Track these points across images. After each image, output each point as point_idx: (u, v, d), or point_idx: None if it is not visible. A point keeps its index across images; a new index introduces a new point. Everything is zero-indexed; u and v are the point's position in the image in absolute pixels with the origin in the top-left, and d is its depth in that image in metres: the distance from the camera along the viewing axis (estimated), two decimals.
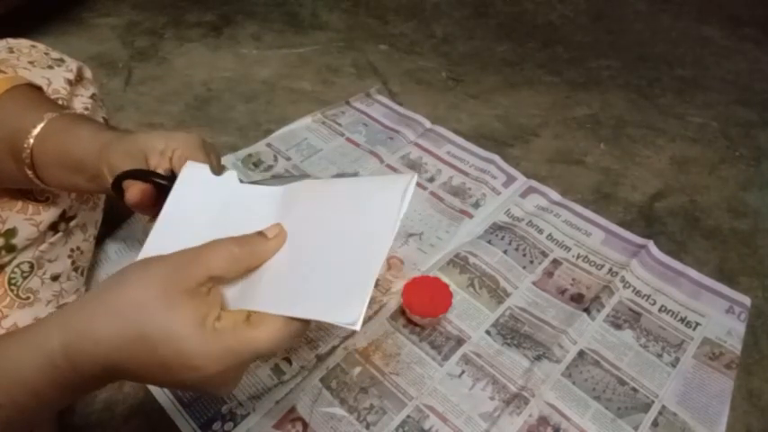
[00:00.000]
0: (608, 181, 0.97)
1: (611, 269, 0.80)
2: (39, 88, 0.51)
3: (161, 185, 0.42)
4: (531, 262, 0.80)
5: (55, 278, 0.60)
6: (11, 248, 0.54)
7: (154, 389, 0.64)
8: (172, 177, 0.43)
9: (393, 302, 0.73)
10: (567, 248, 0.83)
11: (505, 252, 0.81)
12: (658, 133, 1.08)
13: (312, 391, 0.64)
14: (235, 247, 0.35)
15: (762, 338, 0.74)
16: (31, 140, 0.44)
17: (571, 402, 0.65)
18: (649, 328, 0.73)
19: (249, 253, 0.35)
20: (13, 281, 0.56)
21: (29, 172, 0.46)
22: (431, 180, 0.93)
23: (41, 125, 0.44)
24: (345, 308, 0.32)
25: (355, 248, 0.35)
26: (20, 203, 0.54)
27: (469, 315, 0.73)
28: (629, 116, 1.12)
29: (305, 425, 0.61)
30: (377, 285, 0.76)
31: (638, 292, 0.77)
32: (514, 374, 0.67)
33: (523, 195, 0.91)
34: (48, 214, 0.56)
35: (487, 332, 0.71)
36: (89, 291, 0.62)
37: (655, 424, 0.63)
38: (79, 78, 0.62)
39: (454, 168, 0.96)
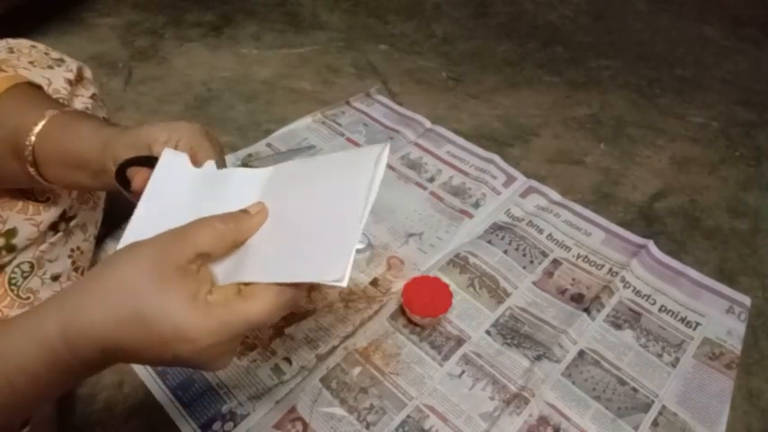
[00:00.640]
0: (608, 181, 0.97)
1: (611, 269, 0.80)
2: (39, 87, 0.51)
3: None
4: (531, 262, 0.80)
5: (55, 278, 0.60)
6: (11, 248, 0.54)
7: (154, 388, 0.64)
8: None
9: (393, 302, 0.73)
10: (567, 248, 0.83)
11: (505, 252, 0.81)
12: (658, 133, 1.08)
13: (312, 391, 0.64)
14: (219, 223, 0.36)
15: (762, 338, 0.74)
16: (33, 138, 0.44)
17: (571, 402, 0.65)
18: (649, 328, 0.73)
19: (234, 229, 0.36)
20: (13, 281, 0.56)
21: (31, 170, 0.46)
22: (431, 180, 0.93)
23: (43, 122, 0.44)
24: (331, 267, 0.34)
25: (335, 215, 0.37)
26: (20, 203, 0.54)
27: (469, 315, 0.73)
28: (629, 116, 1.12)
29: (305, 425, 0.61)
30: (377, 285, 0.76)
31: (638, 292, 0.77)
32: (514, 374, 0.67)
33: (523, 195, 0.91)
34: (48, 214, 0.55)
35: (487, 332, 0.71)
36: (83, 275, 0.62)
37: (655, 424, 0.63)
38: (79, 78, 0.62)
39: (454, 168, 0.96)
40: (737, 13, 1.48)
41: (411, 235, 0.83)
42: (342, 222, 0.36)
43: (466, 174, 0.94)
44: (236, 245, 0.37)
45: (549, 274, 0.79)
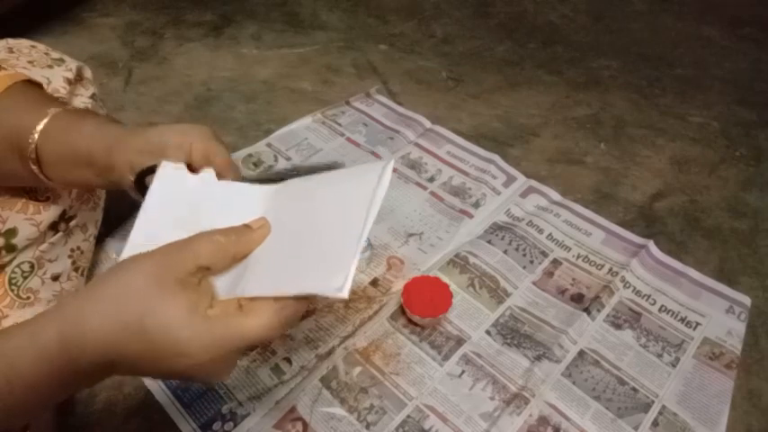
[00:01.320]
0: (608, 181, 0.97)
1: (611, 269, 0.80)
2: (39, 85, 0.51)
3: None
4: (532, 262, 0.80)
5: (55, 278, 0.60)
6: (11, 248, 0.54)
7: (154, 388, 0.64)
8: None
9: (393, 302, 0.73)
10: (568, 248, 0.83)
11: (505, 252, 0.81)
12: (658, 133, 1.08)
13: (312, 391, 0.64)
14: (221, 237, 0.36)
15: (762, 338, 0.74)
16: (36, 136, 0.44)
17: (571, 402, 0.65)
18: (649, 327, 0.73)
19: (235, 242, 0.36)
20: (13, 281, 0.56)
21: (34, 168, 0.45)
22: (431, 180, 0.93)
23: (45, 120, 0.44)
24: (331, 278, 0.34)
25: (337, 229, 0.37)
26: (20, 203, 0.54)
27: (469, 315, 0.73)
28: (629, 116, 1.12)
29: (305, 425, 0.61)
30: (377, 285, 0.76)
31: (638, 292, 0.77)
32: (514, 374, 0.67)
33: (523, 195, 0.91)
34: (48, 214, 0.55)
35: (487, 332, 0.71)
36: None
37: (655, 424, 0.63)
38: (79, 78, 0.62)
39: (454, 168, 0.96)
40: (737, 13, 1.48)
41: (411, 235, 0.83)
42: (343, 236, 0.36)
43: (466, 174, 0.94)
44: (237, 259, 0.37)
45: (549, 274, 0.79)
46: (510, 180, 0.94)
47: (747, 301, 0.77)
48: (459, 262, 0.79)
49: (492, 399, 0.65)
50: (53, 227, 0.58)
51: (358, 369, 0.67)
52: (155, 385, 0.64)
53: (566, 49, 1.32)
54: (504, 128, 1.07)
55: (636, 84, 1.22)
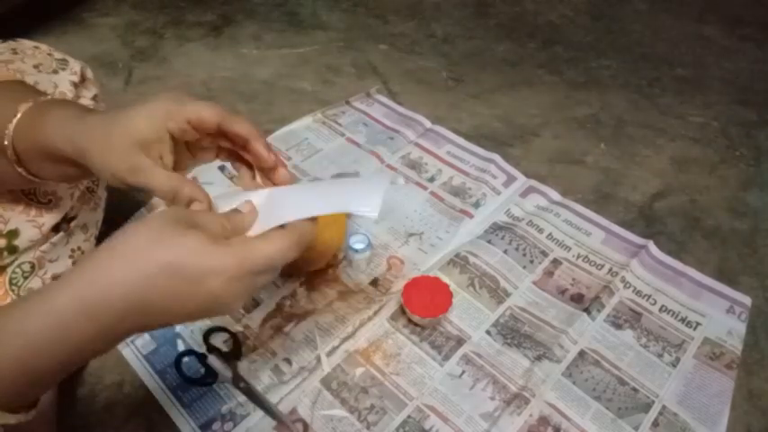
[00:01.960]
0: (608, 181, 0.97)
1: (611, 269, 0.80)
2: (20, 81, 0.50)
3: None
4: (532, 262, 0.80)
5: (56, 278, 0.59)
6: (13, 250, 0.54)
7: (154, 388, 0.64)
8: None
9: (393, 302, 0.73)
10: (568, 248, 0.83)
11: (506, 252, 0.81)
12: (658, 133, 1.08)
13: (312, 392, 0.64)
14: (222, 217, 0.38)
15: (762, 338, 0.74)
16: (11, 135, 0.42)
17: (571, 402, 0.65)
18: (650, 327, 0.73)
19: (230, 217, 0.38)
20: (14, 281, 0.56)
21: (19, 169, 0.44)
22: (431, 180, 0.93)
23: (17, 118, 0.42)
24: (364, 201, 0.39)
25: (360, 182, 0.46)
26: (22, 205, 0.54)
27: (470, 315, 0.73)
28: (629, 116, 1.12)
29: (305, 425, 0.62)
30: (377, 285, 0.76)
31: (638, 292, 0.78)
32: (515, 374, 0.67)
33: (523, 195, 0.91)
34: (50, 216, 0.55)
35: (488, 332, 0.71)
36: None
37: (655, 424, 0.63)
38: (82, 79, 0.62)
39: (454, 168, 0.96)
40: (737, 13, 1.48)
41: (411, 235, 0.83)
42: (370, 182, 0.42)
43: (466, 174, 0.94)
44: (227, 229, 0.37)
45: (549, 273, 0.79)
46: (510, 180, 0.94)
47: (748, 301, 0.77)
48: (459, 262, 0.79)
49: (492, 399, 0.65)
50: (54, 228, 0.58)
51: (358, 369, 0.67)
52: (155, 385, 0.65)
53: (566, 49, 1.32)
54: (504, 128, 1.07)
55: (636, 84, 1.22)
